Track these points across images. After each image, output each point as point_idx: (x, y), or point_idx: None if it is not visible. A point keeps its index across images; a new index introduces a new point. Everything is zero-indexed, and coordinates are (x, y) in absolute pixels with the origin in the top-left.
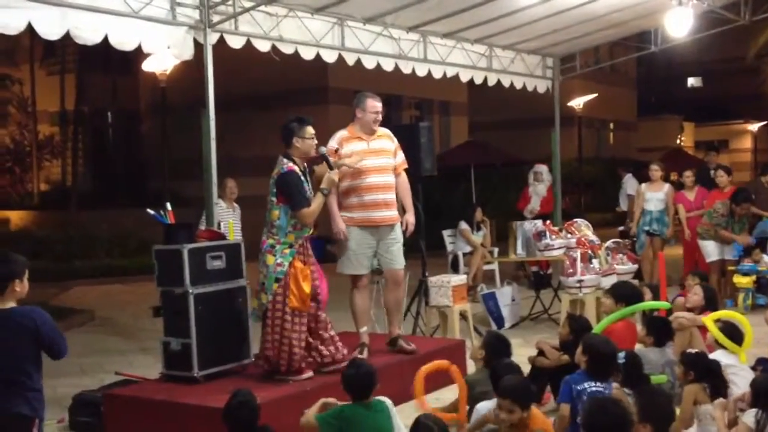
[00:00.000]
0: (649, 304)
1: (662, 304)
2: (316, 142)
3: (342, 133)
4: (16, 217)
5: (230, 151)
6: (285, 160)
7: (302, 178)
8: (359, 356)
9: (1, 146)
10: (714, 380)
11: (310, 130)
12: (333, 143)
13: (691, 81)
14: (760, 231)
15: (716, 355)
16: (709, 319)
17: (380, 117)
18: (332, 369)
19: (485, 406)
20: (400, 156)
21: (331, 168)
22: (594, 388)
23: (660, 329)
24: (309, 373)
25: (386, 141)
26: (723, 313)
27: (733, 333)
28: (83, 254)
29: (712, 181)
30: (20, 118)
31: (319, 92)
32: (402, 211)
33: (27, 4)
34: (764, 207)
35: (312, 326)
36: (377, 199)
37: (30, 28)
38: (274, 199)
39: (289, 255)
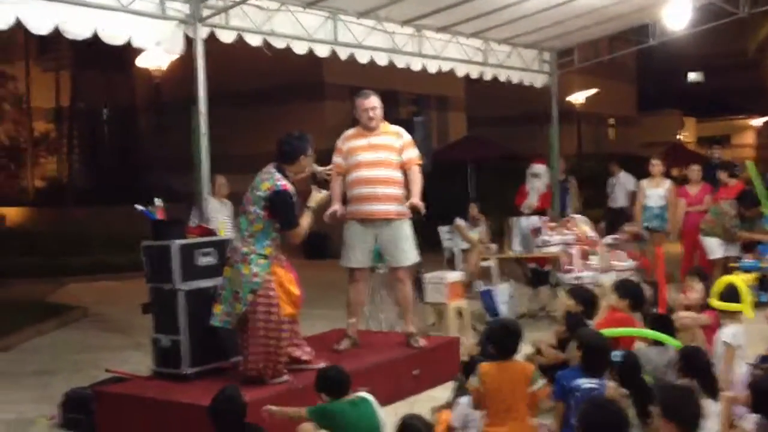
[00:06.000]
0: (657, 335)
1: (673, 342)
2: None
3: (349, 131)
4: (11, 213)
5: (225, 148)
6: (278, 175)
7: (295, 197)
8: (338, 348)
9: None
10: (704, 377)
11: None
12: (339, 141)
13: (692, 75)
14: None
15: (724, 332)
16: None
17: (373, 113)
18: (310, 368)
19: (468, 400)
20: (411, 152)
21: (319, 186)
22: (588, 385)
23: (663, 327)
24: (287, 376)
25: (391, 137)
26: (719, 283)
27: (730, 294)
28: (78, 251)
29: (714, 178)
30: (15, 114)
31: (315, 88)
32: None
33: None
34: None
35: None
36: (368, 192)
37: (19, 23)
38: (261, 212)
39: (265, 265)
